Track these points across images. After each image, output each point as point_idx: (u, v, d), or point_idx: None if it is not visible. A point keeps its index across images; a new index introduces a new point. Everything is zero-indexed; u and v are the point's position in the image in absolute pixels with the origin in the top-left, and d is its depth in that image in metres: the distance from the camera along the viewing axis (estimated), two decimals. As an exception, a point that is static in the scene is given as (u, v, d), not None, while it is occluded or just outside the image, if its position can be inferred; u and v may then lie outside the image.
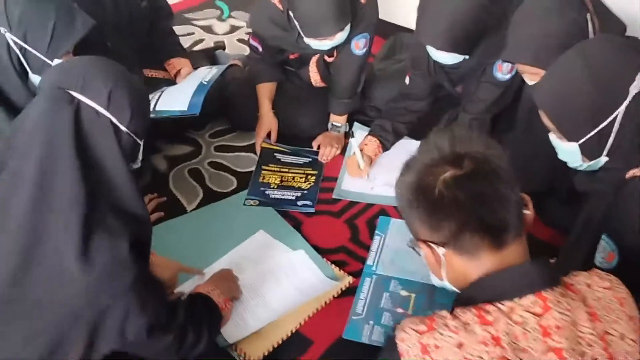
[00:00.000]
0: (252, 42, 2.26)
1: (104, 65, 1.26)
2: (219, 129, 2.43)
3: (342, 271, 1.80)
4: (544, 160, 1.80)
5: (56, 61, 1.59)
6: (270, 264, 1.81)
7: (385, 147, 2.20)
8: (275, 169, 2.20)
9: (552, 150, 1.76)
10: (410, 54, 2.16)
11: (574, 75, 1.23)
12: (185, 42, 2.99)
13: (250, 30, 2.29)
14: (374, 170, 2.16)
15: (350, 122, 2.35)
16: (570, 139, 1.27)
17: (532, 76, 1.61)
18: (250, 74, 2.33)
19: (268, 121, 2.27)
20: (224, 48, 2.86)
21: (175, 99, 2.01)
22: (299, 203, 2.05)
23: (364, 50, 2.14)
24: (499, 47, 1.88)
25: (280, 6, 2.06)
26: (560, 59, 1.29)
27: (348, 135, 2.32)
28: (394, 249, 1.87)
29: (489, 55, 1.92)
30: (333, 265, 1.81)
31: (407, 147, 2.27)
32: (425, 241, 1.01)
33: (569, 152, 1.31)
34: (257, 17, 2.18)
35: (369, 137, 2.19)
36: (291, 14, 1.98)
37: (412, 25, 2.81)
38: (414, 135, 2.29)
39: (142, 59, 2.24)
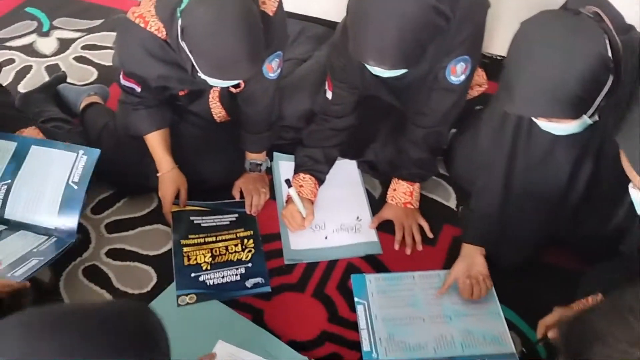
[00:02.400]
0: (124, 82, 1.67)
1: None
2: (100, 197, 1.85)
3: (339, 371, 1.44)
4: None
5: None
6: (250, 390, 1.39)
7: (322, 181, 1.82)
8: (199, 240, 1.71)
9: None
10: (332, 63, 1.74)
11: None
12: (6, 76, 2.28)
13: (119, 67, 1.67)
14: (319, 215, 1.77)
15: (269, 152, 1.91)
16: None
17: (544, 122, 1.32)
18: (130, 122, 1.75)
19: (174, 179, 1.74)
20: (65, 78, 2.19)
21: None
22: (248, 284, 1.61)
23: (278, 71, 1.69)
24: (449, 47, 1.57)
25: (160, 35, 1.53)
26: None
27: (271, 171, 1.90)
28: (386, 318, 1.53)
29: (440, 59, 1.59)
30: (327, 367, 1.44)
31: (344, 169, 1.92)
32: None
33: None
34: (129, 51, 1.60)
35: (301, 175, 1.77)
36: (183, 46, 1.46)
37: (300, 10, 2.41)
38: (345, 154, 1.92)
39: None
